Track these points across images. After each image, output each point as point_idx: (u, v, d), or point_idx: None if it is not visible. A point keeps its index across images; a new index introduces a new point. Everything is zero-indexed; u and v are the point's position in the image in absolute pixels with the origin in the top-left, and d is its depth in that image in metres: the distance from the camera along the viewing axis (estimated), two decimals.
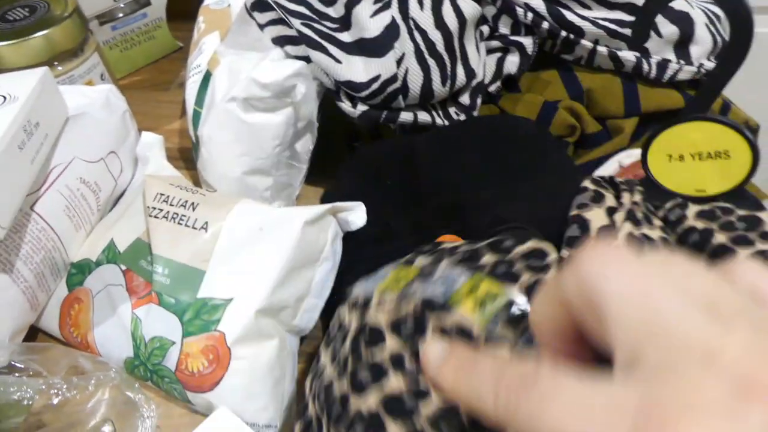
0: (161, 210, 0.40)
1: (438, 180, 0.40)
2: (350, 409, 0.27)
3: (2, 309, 0.37)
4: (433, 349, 0.23)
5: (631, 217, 0.31)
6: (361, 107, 0.43)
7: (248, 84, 0.41)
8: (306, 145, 0.47)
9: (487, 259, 0.30)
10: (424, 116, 0.44)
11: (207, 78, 0.47)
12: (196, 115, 0.48)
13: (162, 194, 0.41)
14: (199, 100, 0.47)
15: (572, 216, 0.30)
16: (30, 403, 0.33)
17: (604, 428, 0.15)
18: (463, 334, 0.26)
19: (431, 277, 0.30)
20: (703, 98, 0.33)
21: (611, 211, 0.30)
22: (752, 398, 0.14)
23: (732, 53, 0.30)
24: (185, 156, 0.58)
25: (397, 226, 0.40)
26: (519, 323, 0.26)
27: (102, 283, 0.40)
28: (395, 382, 0.27)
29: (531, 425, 0.17)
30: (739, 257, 0.27)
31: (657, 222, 0.31)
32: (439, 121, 0.44)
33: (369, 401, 0.27)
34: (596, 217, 0.30)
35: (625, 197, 0.32)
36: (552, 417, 0.17)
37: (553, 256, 0.29)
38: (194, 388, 0.36)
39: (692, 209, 0.32)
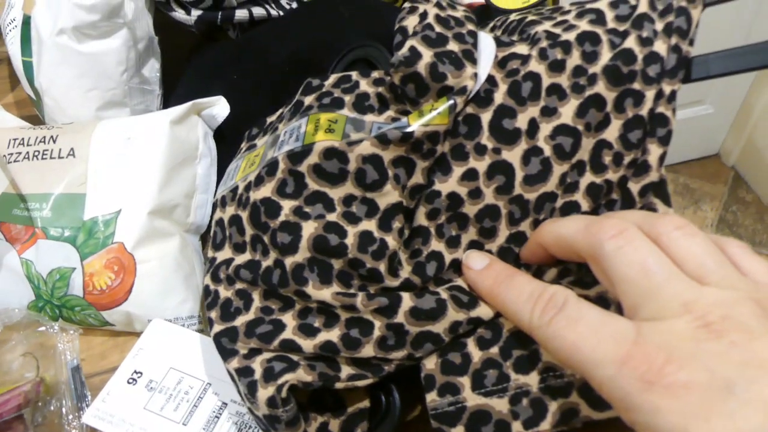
0: (19, 153, 0.39)
1: (283, 54, 0.42)
2: (286, 266, 0.29)
3: None
4: (475, 256, 0.30)
5: (438, 6, 0.34)
6: (196, 12, 0.44)
7: (72, 11, 0.41)
8: (153, 66, 0.47)
9: (309, 101, 0.34)
10: (258, 11, 0.46)
11: (27, 23, 0.45)
12: (28, 67, 0.46)
13: (15, 139, 0.40)
14: (26, 49, 0.46)
15: (396, 28, 0.33)
16: None
17: (609, 350, 0.22)
18: (332, 153, 0.30)
19: (278, 140, 0.33)
20: None
21: (423, 16, 0.33)
22: (711, 333, 0.21)
23: None
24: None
25: (256, 109, 0.42)
26: (363, 127, 0.31)
27: None
28: (312, 227, 0.29)
29: (556, 339, 0.24)
30: (541, 27, 0.32)
31: (461, 8, 0.36)
32: (274, 12, 0.46)
33: (299, 254, 0.29)
34: (411, 22, 0.34)
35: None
36: (574, 335, 0.23)
37: (354, 75, 0.33)
38: (109, 305, 0.37)
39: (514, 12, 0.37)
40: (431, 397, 0.29)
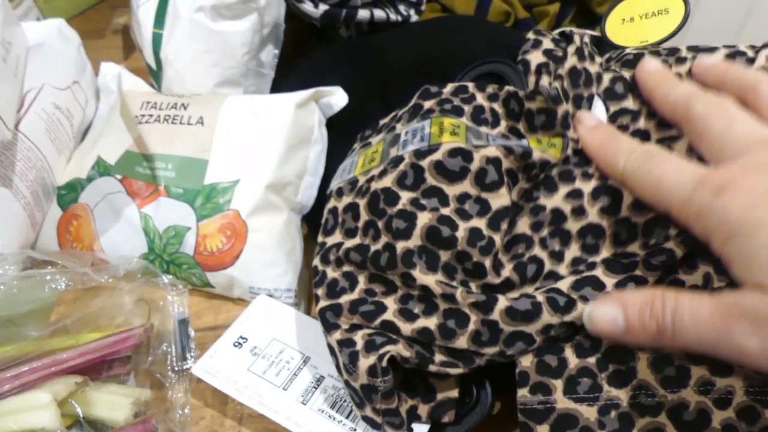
0: (151, 115, 0.42)
1: (403, 60, 0.44)
2: (397, 249, 0.31)
3: (7, 221, 0.38)
4: (587, 116, 0.33)
5: (578, 53, 0.37)
6: (323, 7, 0.46)
7: None
8: (271, 52, 0.50)
9: (429, 105, 0.36)
10: (379, 13, 0.48)
11: None
12: (157, 38, 0.49)
13: (148, 102, 0.42)
14: (159, 21, 0.49)
15: (519, 59, 0.36)
16: (61, 287, 0.35)
17: (688, 177, 0.25)
18: (457, 152, 0.32)
19: (399, 139, 0.35)
20: None
21: (548, 53, 0.36)
22: None
23: None
24: None
25: (367, 106, 0.44)
26: (480, 137, 0.33)
27: (99, 194, 0.42)
28: (426, 218, 0.31)
29: (644, 176, 0.27)
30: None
31: (598, 59, 0.38)
32: (393, 17, 0.49)
33: (411, 240, 0.31)
34: (535, 58, 0.36)
35: (576, 38, 0.38)
36: (659, 170, 0.27)
37: (470, 87, 0.36)
38: (214, 267, 0.39)
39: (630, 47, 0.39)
40: (522, 392, 0.31)
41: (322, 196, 0.43)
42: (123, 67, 0.50)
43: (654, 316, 0.26)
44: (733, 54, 0.34)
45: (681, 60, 0.35)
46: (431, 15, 0.54)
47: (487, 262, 0.31)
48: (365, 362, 0.30)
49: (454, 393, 0.33)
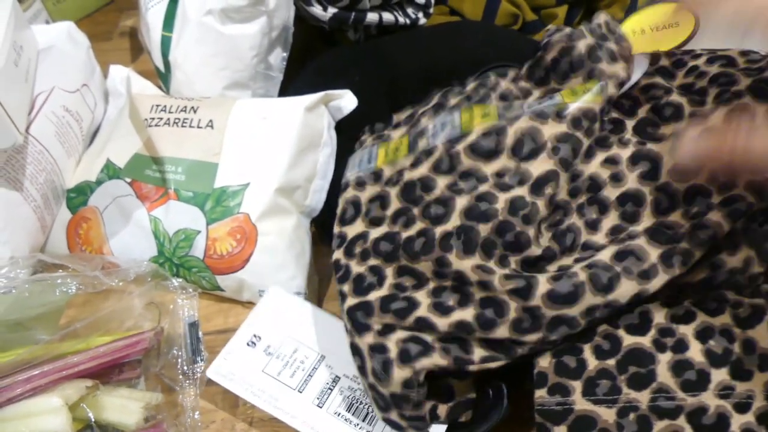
0: (161, 119, 0.42)
1: (413, 65, 0.44)
2: (435, 234, 0.31)
3: (18, 225, 0.38)
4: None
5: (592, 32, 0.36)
6: (332, 10, 0.46)
7: None
8: (279, 54, 0.49)
9: (454, 101, 0.36)
10: (387, 16, 0.48)
11: (174, 0, 0.48)
12: (166, 41, 0.49)
13: (158, 105, 0.42)
14: (168, 24, 0.49)
15: (543, 43, 0.36)
16: (71, 291, 0.34)
17: None
18: (490, 131, 0.32)
19: (427, 131, 0.35)
20: None
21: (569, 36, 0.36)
22: None
23: None
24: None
25: (375, 109, 0.44)
26: (514, 108, 0.33)
27: (109, 197, 0.42)
28: (465, 200, 0.31)
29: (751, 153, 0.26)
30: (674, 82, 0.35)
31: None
32: (401, 20, 0.49)
33: (450, 223, 0.31)
34: (556, 40, 0.36)
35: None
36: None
37: (492, 78, 0.36)
38: (224, 270, 0.39)
39: None
40: (540, 393, 0.30)
41: (331, 200, 0.43)
42: (131, 70, 0.50)
43: (732, 137, 0.26)
44: (746, 53, 0.34)
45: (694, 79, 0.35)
46: (439, 17, 0.54)
47: (531, 231, 0.31)
48: (400, 374, 0.29)
49: (472, 394, 0.33)
